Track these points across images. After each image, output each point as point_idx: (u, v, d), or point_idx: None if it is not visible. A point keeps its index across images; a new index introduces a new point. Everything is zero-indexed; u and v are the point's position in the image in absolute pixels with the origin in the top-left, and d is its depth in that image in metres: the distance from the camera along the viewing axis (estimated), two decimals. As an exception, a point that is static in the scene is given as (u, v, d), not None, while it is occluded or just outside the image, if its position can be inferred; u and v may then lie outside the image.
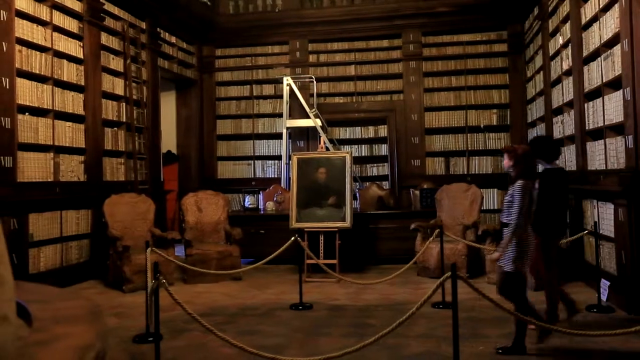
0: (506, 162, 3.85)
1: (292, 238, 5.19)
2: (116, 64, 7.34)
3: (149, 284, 4.07)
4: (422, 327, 4.31)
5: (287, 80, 8.98)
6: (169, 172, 9.57)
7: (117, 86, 7.35)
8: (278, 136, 9.35)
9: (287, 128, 9.00)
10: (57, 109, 6.14)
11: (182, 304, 2.97)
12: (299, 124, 8.96)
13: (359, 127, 9.38)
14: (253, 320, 4.69)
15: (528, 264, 3.76)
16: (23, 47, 5.70)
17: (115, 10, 7.34)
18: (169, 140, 9.54)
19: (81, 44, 6.64)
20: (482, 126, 8.93)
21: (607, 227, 5.03)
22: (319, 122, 8.76)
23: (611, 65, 5.02)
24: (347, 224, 6.48)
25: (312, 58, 9.47)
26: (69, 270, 6.21)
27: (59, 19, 6.28)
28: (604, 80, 5.20)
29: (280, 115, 9.34)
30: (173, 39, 8.89)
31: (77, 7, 6.58)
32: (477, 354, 3.70)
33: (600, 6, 5.22)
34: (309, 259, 6.21)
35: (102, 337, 0.89)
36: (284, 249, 5.24)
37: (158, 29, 8.32)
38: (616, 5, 4.80)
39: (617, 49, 4.85)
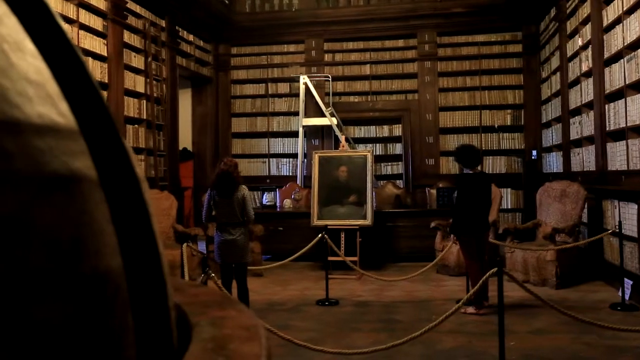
0: None
1: (320, 235, 5.27)
2: (137, 61, 7.42)
3: (186, 277, 4.16)
4: (451, 323, 4.37)
5: (304, 79, 9.06)
6: (184, 169, 9.63)
7: (138, 84, 7.42)
8: (293, 134, 9.42)
9: (303, 126, 9.08)
10: (82, 105, 6.21)
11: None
12: (315, 122, 9.04)
13: (374, 126, 9.45)
14: (282, 316, 4.78)
15: (222, 256, 4.45)
16: (52, 45, 5.76)
17: (137, 8, 7.41)
18: (184, 138, 9.61)
19: (105, 42, 6.71)
20: (496, 126, 9.00)
21: (630, 227, 5.11)
22: (334, 121, 8.84)
23: (635, 67, 5.09)
24: (368, 221, 6.56)
25: (327, 57, 9.54)
26: (93, 265, 6.27)
27: (84, 17, 6.35)
28: (626, 82, 5.27)
29: (294, 114, 9.41)
30: (190, 37, 8.96)
31: (102, 5, 6.65)
32: (508, 349, 3.77)
33: (624, 9, 5.29)
34: (331, 255, 6.28)
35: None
36: (311, 245, 5.32)
37: (177, 27, 8.40)
38: (641, 8, 4.88)
39: (641, 52, 4.92)
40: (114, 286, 0.49)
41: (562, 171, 7.49)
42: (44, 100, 0.46)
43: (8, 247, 0.39)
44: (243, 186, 4.50)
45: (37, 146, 0.44)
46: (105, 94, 6.67)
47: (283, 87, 9.66)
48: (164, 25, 8.05)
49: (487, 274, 2.99)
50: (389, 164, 9.38)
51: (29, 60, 0.47)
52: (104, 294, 0.48)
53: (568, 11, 7.08)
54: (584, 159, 6.60)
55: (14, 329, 0.38)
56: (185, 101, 9.68)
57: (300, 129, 9.10)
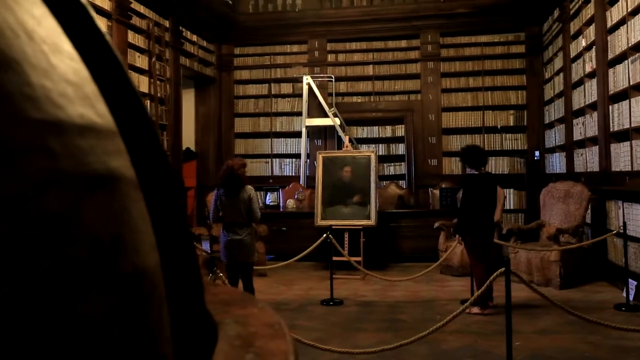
0: None
1: (324, 235, 5.28)
2: (141, 61, 7.43)
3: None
4: (456, 324, 4.37)
5: (307, 79, 9.07)
6: (187, 169, 9.64)
7: (142, 84, 7.43)
8: (296, 134, 9.43)
9: (306, 127, 9.09)
10: (87, 106, 6.22)
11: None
12: (318, 122, 9.05)
13: (377, 127, 9.45)
14: (288, 315, 4.78)
15: (228, 256, 4.40)
16: (57, 45, 5.77)
17: (141, 8, 7.42)
18: (187, 138, 9.61)
19: (109, 42, 6.72)
20: (498, 127, 9.01)
21: (634, 228, 5.11)
22: (337, 121, 8.85)
23: (639, 68, 5.10)
24: (372, 222, 6.57)
25: (330, 57, 9.55)
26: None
27: (89, 17, 6.35)
28: (631, 83, 5.27)
29: (297, 114, 9.42)
30: (194, 37, 8.97)
31: (106, 5, 6.66)
32: (514, 349, 3.78)
33: (629, 9, 5.29)
34: (335, 255, 6.29)
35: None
36: (316, 245, 5.33)
37: (180, 27, 8.41)
38: (646, 9, 4.88)
39: (646, 52, 4.93)
40: (151, 283, 0.50)
41: (565, 172, 7.49)
42: (83, 101, 0.47)
43: (59, 245, 0.39)
44: (249, 186, 4.51)
45: (79, 146, 0.44)
46: (109, 94, 6.68)
47: (286, 88, 9.67)
48: (167, 26, 8.06)
49: (495, 274, 2.99)
50: (392, 164, 9.38)
51: (67, 62, 0.48)
52: (142, 291, 0.48)
53: (572, 12, 7.08)
54: (588, 159, 6.60)
55: (64, 324, 0.39)
56: (188, 101, 9.69)
57: (303, 129, 9.11)
